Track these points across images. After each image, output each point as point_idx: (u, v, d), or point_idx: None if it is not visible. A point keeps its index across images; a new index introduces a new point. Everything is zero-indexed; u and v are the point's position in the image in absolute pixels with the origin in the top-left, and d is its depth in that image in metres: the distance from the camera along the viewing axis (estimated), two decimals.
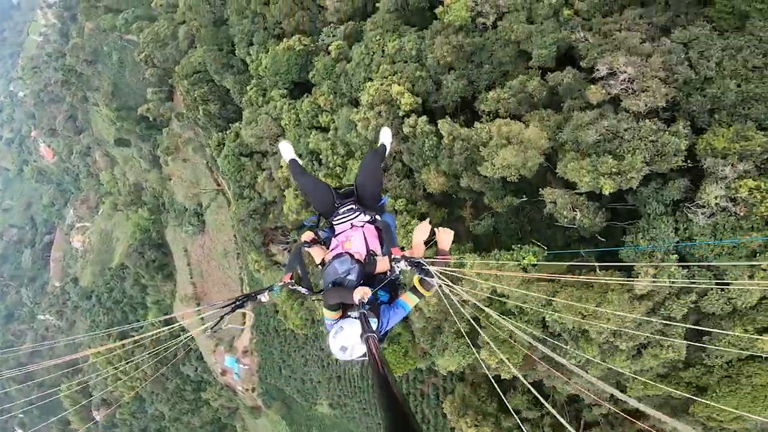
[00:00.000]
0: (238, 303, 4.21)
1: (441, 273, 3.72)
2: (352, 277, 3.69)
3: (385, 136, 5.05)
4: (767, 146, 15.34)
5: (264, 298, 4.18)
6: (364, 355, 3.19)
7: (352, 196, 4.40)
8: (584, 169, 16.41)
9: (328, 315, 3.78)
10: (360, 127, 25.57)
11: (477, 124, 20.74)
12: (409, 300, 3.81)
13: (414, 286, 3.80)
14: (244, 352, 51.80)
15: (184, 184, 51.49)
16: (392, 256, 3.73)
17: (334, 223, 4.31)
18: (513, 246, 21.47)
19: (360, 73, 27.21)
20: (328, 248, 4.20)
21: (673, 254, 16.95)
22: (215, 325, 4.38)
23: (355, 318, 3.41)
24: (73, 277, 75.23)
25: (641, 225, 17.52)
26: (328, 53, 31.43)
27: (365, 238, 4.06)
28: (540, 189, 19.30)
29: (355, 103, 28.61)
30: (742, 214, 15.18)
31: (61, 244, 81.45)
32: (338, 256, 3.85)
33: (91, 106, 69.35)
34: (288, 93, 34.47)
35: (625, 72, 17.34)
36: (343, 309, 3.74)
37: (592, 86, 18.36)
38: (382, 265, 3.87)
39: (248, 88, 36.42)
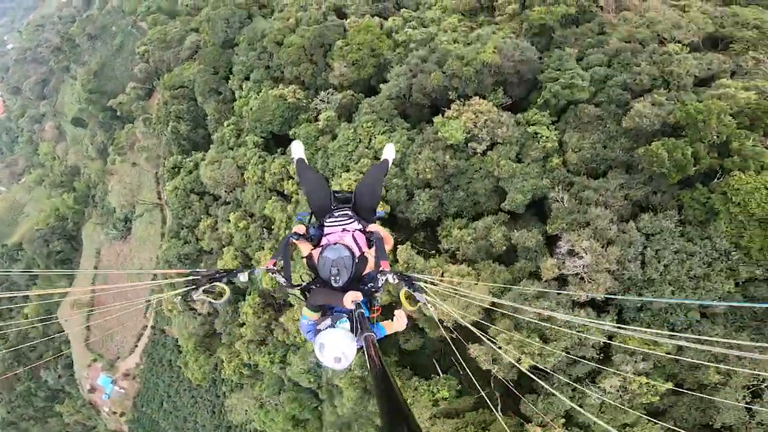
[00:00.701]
0: (216, 276, 4.48)
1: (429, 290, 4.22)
2: (344, 272, 3.95)
3: (389, 152, 5.54)
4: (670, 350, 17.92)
5: (243, 277, 4.51)
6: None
7: (349, 203, 4.77)
8: (512, 344, 18.19)
9: (308, 315, 4.01)
10: None
11: (432, 261, 21.58)
12: (387, 325, 4.17)
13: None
14: (125, 375, 52.07)
15: (124, 188, 51.02)
16: (380, 269, 4.02)
17: (325, 224, 4.60)
18: (433, 375, 24.87)
19: (339, 157, 28.31)
20: (316, 246, 4.48)
21: (562, 418, 20.65)
22: (186, 292, 4.61)
23: (332, 326, 3.63)
24: None
25: (545, 389, 20.09)
26: (317, 120, 32.85)
27: (356, 241, 4.36)
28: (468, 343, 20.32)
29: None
30: (627, 399, 19.04)
31: None
32: (331, 245, 4.16)
33: (68, 77, 70.41)
34: (263, 142, 35.40)
35: (583, 258, 18.38)
36: (323, 312, 3.95)
37: (548, 261, 19.50)
38: (370, 264, 4.26)
39: (225, 123, 37.41)
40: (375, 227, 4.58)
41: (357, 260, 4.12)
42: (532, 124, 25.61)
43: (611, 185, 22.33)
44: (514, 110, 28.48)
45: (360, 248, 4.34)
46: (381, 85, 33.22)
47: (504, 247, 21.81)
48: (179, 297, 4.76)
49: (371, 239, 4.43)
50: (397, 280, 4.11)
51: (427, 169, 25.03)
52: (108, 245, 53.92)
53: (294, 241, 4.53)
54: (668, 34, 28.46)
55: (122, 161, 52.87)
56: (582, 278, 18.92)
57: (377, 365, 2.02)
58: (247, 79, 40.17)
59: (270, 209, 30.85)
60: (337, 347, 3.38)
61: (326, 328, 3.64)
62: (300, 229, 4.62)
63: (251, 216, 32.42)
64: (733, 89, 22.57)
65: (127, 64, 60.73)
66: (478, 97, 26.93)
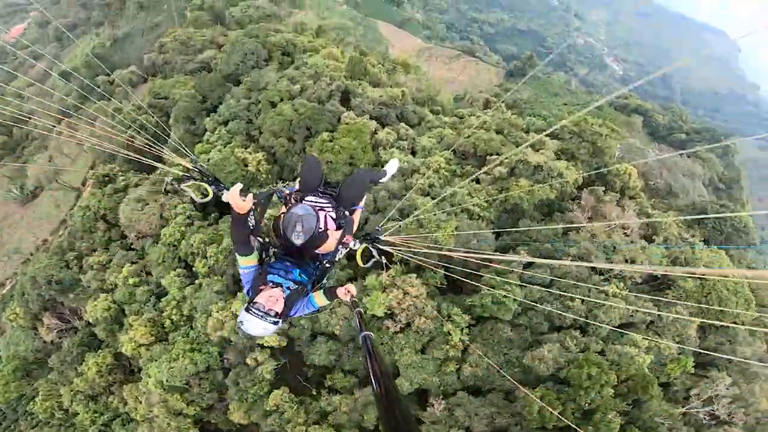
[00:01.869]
0: (211, 179, 5.09)
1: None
2: (308, 229, 4.20)
3: (391, 168, 5.96)
4: None
5: (224, 197, 4.38)
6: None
7: (333, 194, 5.01)
8: None
9: (243, 262, 4.16)
10: (211, 323, 23.51)
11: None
12: (319, 300, 4.45)
13: (328, 288, 4.52)
14: None
15: (52, 160, 46.58)
16: (343, 240, 4.51)
17: (305, 200, 4.83)
18: None
19: None
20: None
21: None
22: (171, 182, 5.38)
23: (250, 311, 3.82)
24: None
25: None
26: None
27: (325, 220, 4.64)
28: None
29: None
30: None
31: None
32: (301, 205, 4.55)
33: (93, 32, 67.89)
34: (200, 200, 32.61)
35: None
36: (260, 261, 4.31)
37: None
38: (329, 245, 4.47)
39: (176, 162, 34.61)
40: (351, 216, 4.92)
41: (320, 230, 4.37)
42: (450, 321, 24.05)
43: (485, 411, 22.37)
44: (444, 290, 27.16)
45: (326, 225, 4.56)
46: None
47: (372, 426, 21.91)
48: (171, 178, 5.24)
49: (341, 223, 4.65)
50: (360, 243, 4.68)
51: (337, 326, 23.11)
52: (1, 201, 48.35)
53: (278, 197, 4.94)
54: (620, 267, 28.18)
55: (70, 135, 48.92)
56: None
57: (377, 369, 2.03)
58: (225, 124, 38.17)
59: (169, 281, 27.52)
60: (254, 332, 3.82)
61: (246, 311, 3.83)
62: (286, 193, 4.96)
63: (147, 274, 28.82)
64: (636, 351, 23.70)
65: (146, 46, 58.80)
66: (415, 276, 25.25)
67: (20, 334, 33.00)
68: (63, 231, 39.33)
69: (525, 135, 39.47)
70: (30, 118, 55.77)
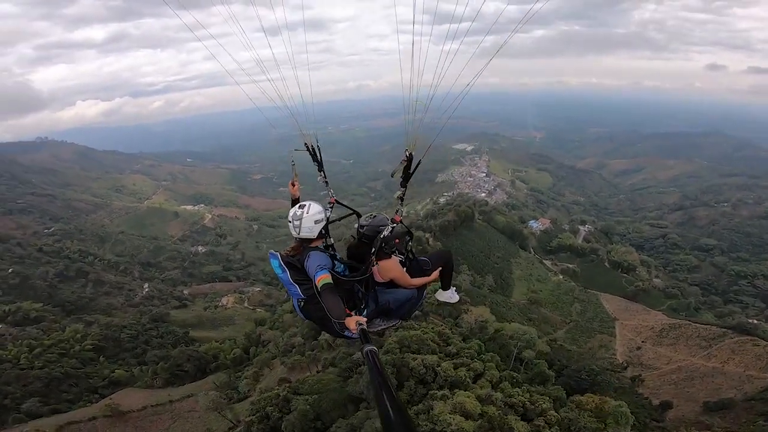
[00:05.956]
0: (313, 154, 5.47)
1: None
2: (372, 219, 5.26)
3: (454, 297, 6.40)
4: None
5: (320, 180, 5.56)
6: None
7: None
8: None
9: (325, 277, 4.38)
10: None
11: None
12: (322, 277, 4.34)
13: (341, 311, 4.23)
14: None
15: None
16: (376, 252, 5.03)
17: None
18: None
19: None
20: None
21: None
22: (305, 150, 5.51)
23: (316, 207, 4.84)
24: None
25: None
26: None
27: (398, 247, 5.45)
28: None
29: None
30: None
31: None
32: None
33: None
34: None
35: None
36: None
37: None
38: (386, 271, 5.22)
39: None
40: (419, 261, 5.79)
41: (384, 231, 5.07)
42: None
43: None
44: None
45: (394, 245, 5.26)
46: None
47: None
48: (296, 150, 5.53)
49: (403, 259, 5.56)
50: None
51: None
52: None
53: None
54: None
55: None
56: None
57: (380, 380, 1.98)
58: None
59: None
60: (292, 213, 4.71)
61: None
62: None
63: None
64: None
65: None
66: None
67: None
68: None
69: None
70: (266, 345, 77.13)
